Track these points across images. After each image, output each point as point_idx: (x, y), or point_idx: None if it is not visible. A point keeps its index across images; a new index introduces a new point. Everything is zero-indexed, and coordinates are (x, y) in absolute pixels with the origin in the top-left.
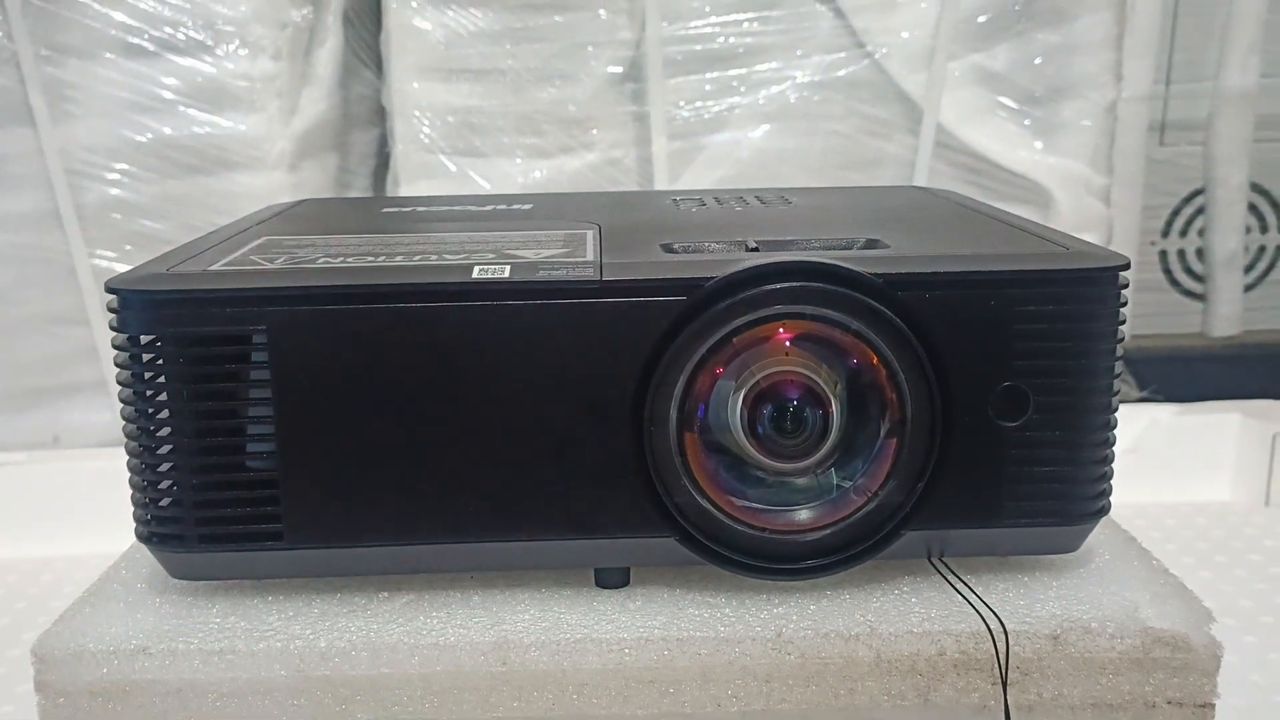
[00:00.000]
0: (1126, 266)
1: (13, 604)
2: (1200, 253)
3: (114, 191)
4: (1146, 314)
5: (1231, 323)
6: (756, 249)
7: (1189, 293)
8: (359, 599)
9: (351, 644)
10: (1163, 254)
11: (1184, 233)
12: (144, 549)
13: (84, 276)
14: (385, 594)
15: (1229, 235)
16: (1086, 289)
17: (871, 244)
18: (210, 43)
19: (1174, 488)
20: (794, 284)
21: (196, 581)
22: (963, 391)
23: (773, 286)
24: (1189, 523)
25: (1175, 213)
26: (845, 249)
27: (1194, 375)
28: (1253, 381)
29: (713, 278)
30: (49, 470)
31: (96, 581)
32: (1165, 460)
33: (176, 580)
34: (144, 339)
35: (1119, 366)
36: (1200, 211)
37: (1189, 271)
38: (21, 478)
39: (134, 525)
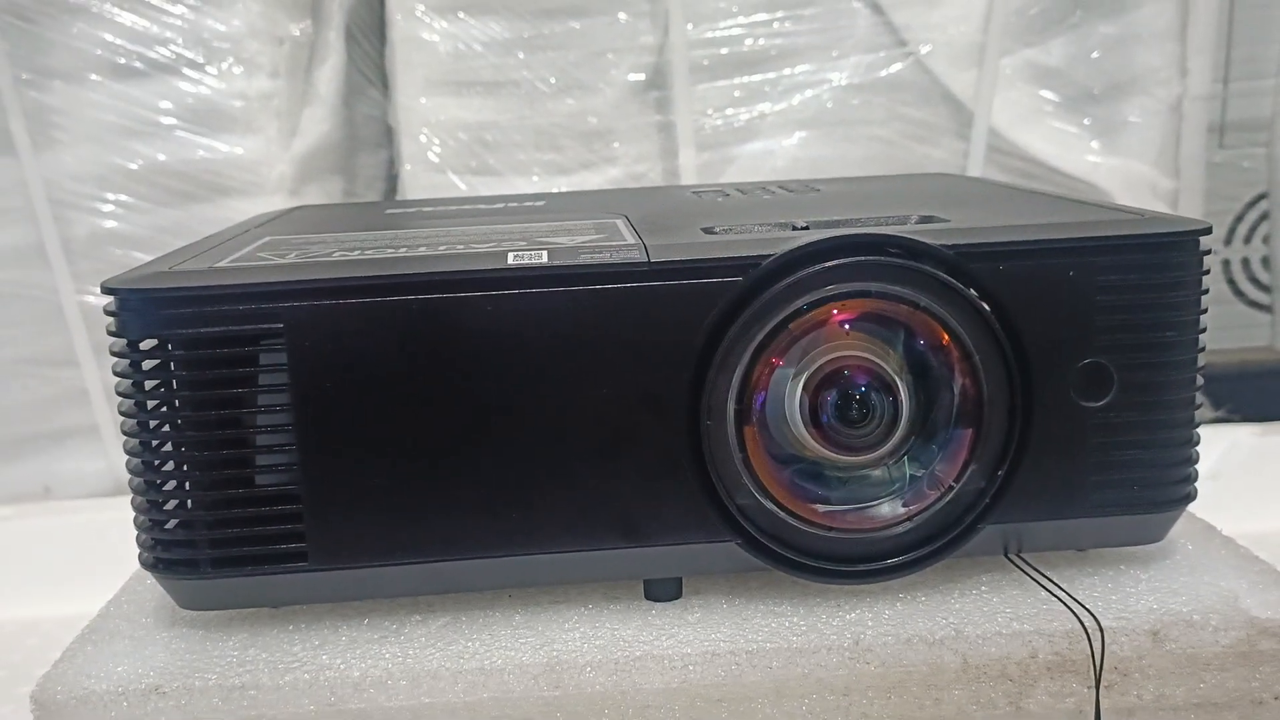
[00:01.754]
0: (1208, 231)
1: None
2: (1266, 261)
3: (104, 223)
4: (1211, 328)
5: None
6: (806, 228)
7: (1255, 304)
8: (390, 623)
9: (388, 672)
10: (1225, 263)
11: (1248, 240)
12: (148, 578)
13: (72, 315)
14: (419, 617)
15: None
16: (1170, 255)
17: (928, 219)
18: (203, 61)
19: (1260, 516)
20: (859, 259)
21: (210, 611)
22: (1042, 371)
23: (836, 263)
24: None
25: (1238, 219)
26: (901, 224)
27: (1265, 391)
28: None
29: (770, 255)
30: (39, 525)
31: (96, 618)
32: (1249, 486)
33: (187, 611)
34: (146, 344)
35: (1203, 340)
36: (1264, 217)
37: (1254, 281)
38: (10, 533)
39: (138, 552)
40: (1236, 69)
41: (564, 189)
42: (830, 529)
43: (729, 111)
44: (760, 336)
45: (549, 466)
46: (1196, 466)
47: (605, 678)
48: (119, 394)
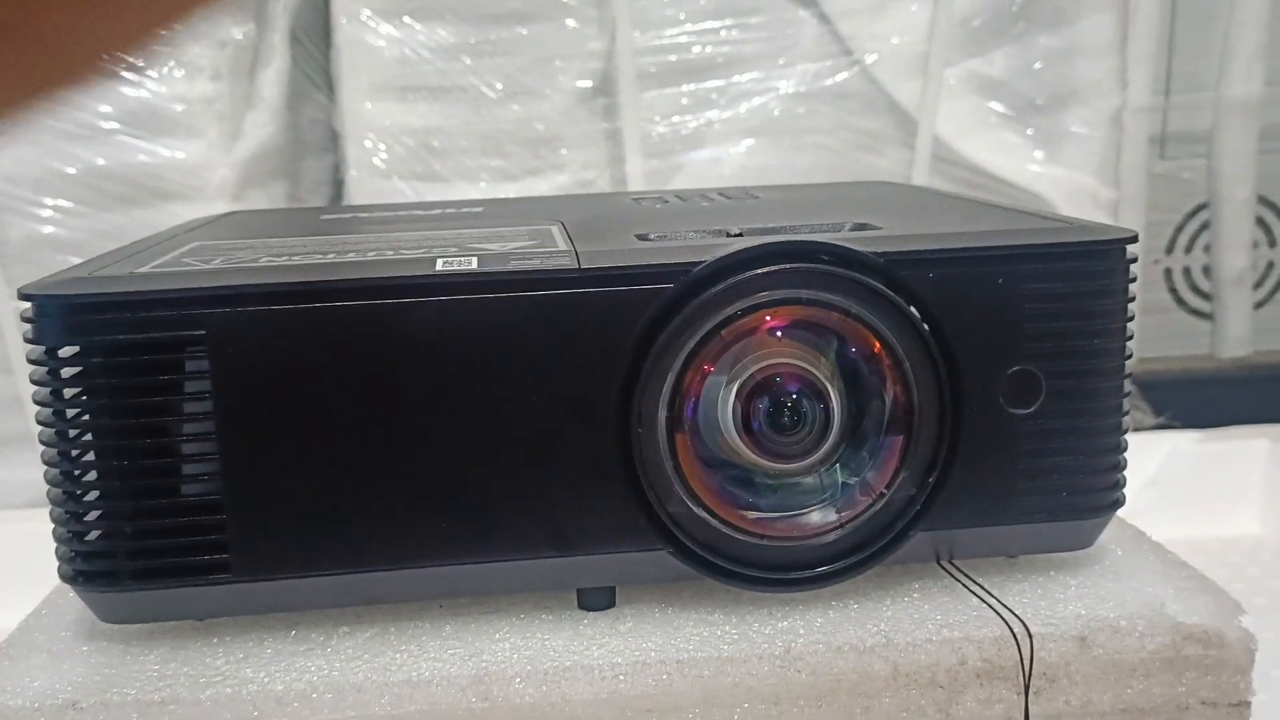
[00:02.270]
0: (1134, 239)
1: None
2: (1207, 270)
3: (41, 228)
4: (1153, 336)
5: (1242, 343)
6: (740, 235)
7: (1196, 312)
8: (317, 635)
9: (311, 685)
10: (1167, 272)
11: (1189, 249)
12: (69, 592)
13: (6, 321)
14: (346, 628)
15: (1236, 252)
16: (1097, 263)
17: (861, 227)
18: (143, 64)
19: (1199, 522)
20: (790, 266)
21: (131, 625)
22: (972, 378)
23: (767, 270)
24: (1220, 560)
25: (1179, 229)
26: (835, 232)
27: (1205, 399)
28: (1267, 404)
29: (701, 262)
30: None
31: (14, 631)
32: (1188, 492)
33: (107, 625)
34: (64, 351)
35: (1130, 348)
36: (1205, 227)
37: (1195, 290)
38: None
39: (57, 565)
40: (1177, 82)
41: (511, 195)
42: (762, 536)
43: (676, 119)
44: (692, 343)
45: (478, 475)
46: (1125, 473)
47: (534, 688)
48: (36, 402)
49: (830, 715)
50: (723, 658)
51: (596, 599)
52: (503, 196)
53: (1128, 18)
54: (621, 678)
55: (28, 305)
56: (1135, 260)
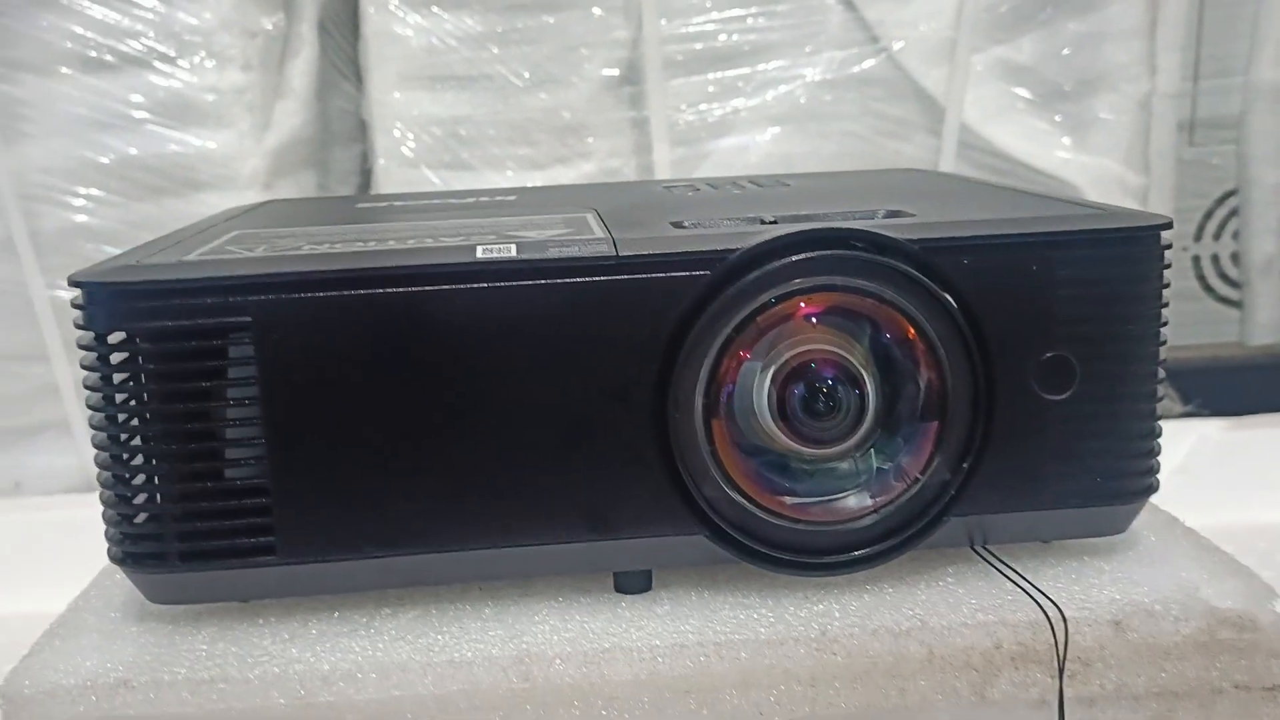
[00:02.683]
0: (1169, 225)
1: None
2: (1235, 257)
3: (74, 217)
4: (1181, 323)
5: (1271, 330)
6: (775, 222)
7: (1224, 299)
8: (360, 616)
9: (357, 665)
10: (1195, 259)
11: (1217, 236)
12: (117, 573)
13: (42, 309)
14: (388, 610)
15: (1265, 238)
16: (1131, 249)
17: (894, 214)
18: (175, 54)
19: (1228, 509)
20: (826, 253)
21: (178, 606)
22: (1006, 364)
23: (802, 257)
24: (1248, 547)
25: (1208, 215)
26: (868, 219)
27: (1234, 386)
28: None
29: (736, 249)
30: (9, 520)
31: (65, 611)
32: (1217, 480)
33: (156, 606)
34: (113, 337)
35: (1173, 343)
36: (1234, 214)
37: (1224, 277)
38: None
39: (106, 546)
40: (1206, 66)
41: (538, 184)
42: (797, 521)
43: (703, 107)
44: (727, 330)
45: (517, 460)
46: (1158, 458)
47: (574, 669)
48: (87, 387)
49: (866, 697)
50: (760, 640)
51: (633, 582)
52: (530, 184)
53: (1156, 2)
54: (660, 659)
55: (77, 292)
56: (1169, 247)
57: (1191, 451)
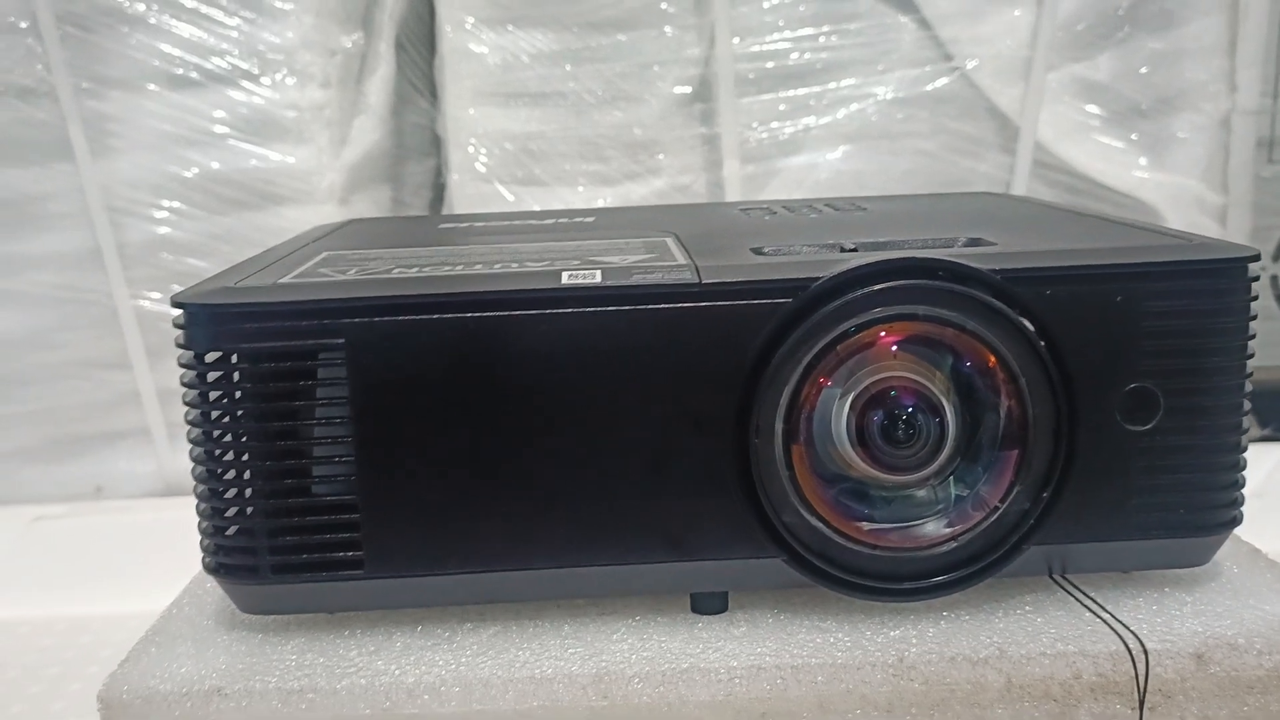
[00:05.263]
0: (1257, 258)
1: (45, 670)
2: None
3: (158, 229)
4: (1259, 343)
5: None
6: (855, 250)
7: None
8: (443, 631)
9: (441, 679)
10: (1274, 279)
11: None
12: (208, 583)
13: (126, 319)
14: (470, 625)
15: None
16: (1217, 281)
17: (975, 242)
18: (257, 71)
19: None
20: (907, 282)
21: (268, 616)
22: (1088, 394)
23: (884, 286)
24: None
25: None
26: (948, 247)
27: None
28: None
29: (819, 278)
30: (90, 523)
31: (159, 620)
32: None
33: (247, 615)
34: (211, 356)
35: (1250, 366)
36: None
37: None
38: (61, 531)
39: (201, 556)
40: None
41: (609, 200)
42: (875, 547)
43: (774, 125)
44: (809, 357)
45: (599, 482)
46: (1243, 491)
47: (652, 689)
48: (185, 404)
49: None
50: (837, 664)
51: (710, 603)
52: (600, 200)
53: (1236, 20)
54: (737, 681)
55: (179, 312)
56: (1257, 279)
57: (1269, 476)
